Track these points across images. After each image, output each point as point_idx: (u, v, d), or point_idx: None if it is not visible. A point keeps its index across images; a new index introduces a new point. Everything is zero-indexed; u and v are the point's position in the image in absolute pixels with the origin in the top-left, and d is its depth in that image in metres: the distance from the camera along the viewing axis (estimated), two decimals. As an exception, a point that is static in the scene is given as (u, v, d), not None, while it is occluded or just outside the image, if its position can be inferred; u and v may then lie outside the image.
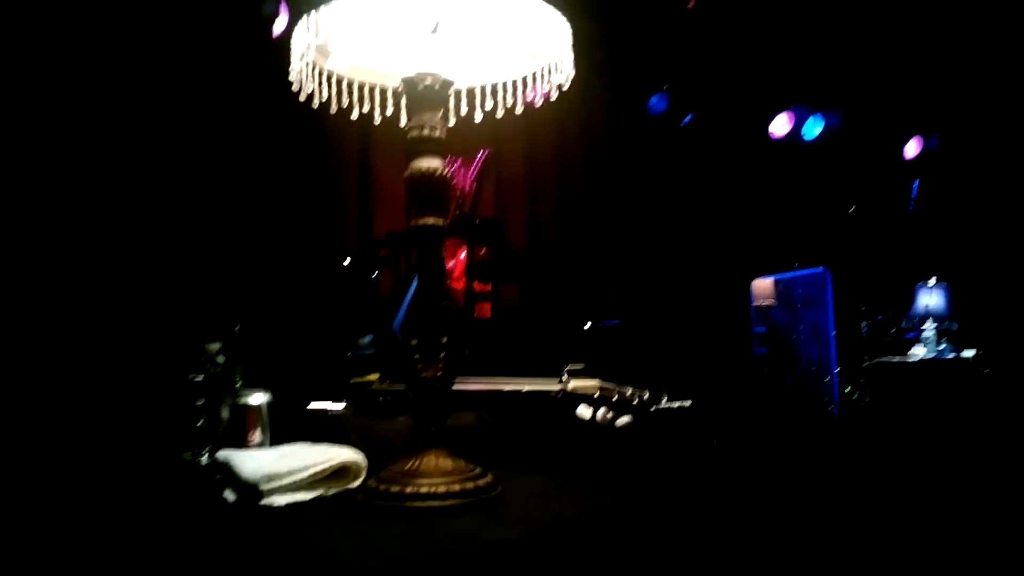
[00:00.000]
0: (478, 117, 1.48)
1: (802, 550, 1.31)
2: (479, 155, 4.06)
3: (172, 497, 1.41)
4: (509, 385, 1.64)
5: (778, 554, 1.23)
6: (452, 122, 1.50)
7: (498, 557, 1.02)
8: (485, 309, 4.04)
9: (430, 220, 1.30)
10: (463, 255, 3.93)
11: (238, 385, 1.65)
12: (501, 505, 1.25)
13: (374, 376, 1.87)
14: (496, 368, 1.75)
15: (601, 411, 1.34)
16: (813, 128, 6.19)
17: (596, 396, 1.41)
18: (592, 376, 1.53)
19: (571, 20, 1.38)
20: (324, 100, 1.37)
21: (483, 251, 4.07)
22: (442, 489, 1.22)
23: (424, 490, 1.22)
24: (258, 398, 1.60)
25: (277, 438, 1.62)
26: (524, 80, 1.44)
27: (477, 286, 3.97)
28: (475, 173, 4.03)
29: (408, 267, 4.16)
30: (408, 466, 1.27)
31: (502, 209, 5.31)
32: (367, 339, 2.92)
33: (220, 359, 1.70)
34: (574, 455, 1.46)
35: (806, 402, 4.02)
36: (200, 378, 1.70)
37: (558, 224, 5.41)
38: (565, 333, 3.99)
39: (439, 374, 1.29)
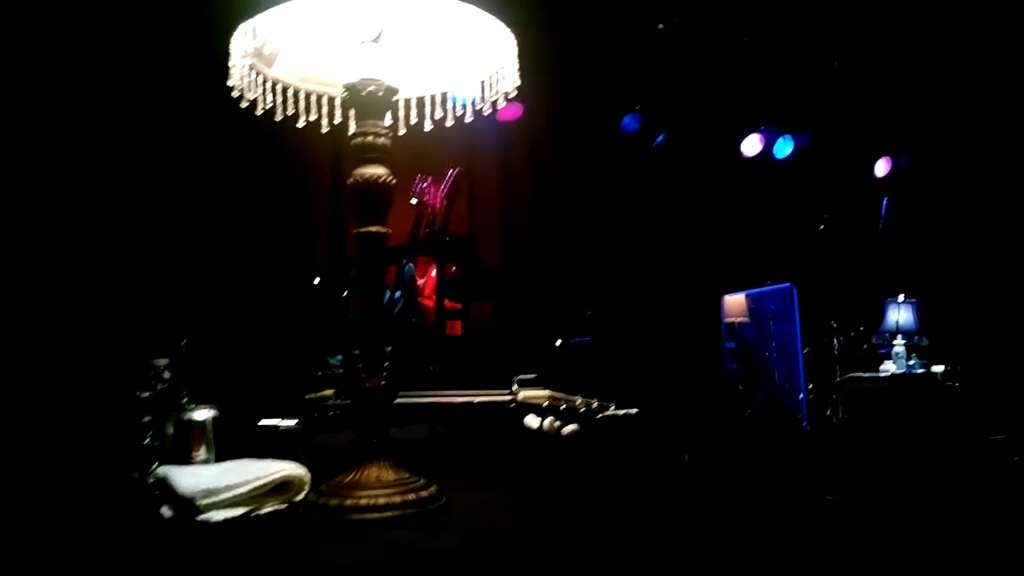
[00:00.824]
0: (427, 127, 1.47)
1: (752, 558, 1.29)
2: (450, 173, 4.04)
3: (114, 515, 1.37)
4: (461, 397, 1.61)
5: (725, 561, 1.21)
6: (402, 131, 1.49)
7: (431, 567, 0.99)
8: (456, 327, 4.01)
9: (373, 228, 1.28)
10: (434, 273, 3.90)
11: (184, 401, 1.61)
12: (444, 516, 1.22)
13: (330, 392, 1.84)
14: (466, 384, 1.73)
15: (548, 420, 1.32)
16: (783, 148, 6.26)
17: (545, 405, 1.38)
18: (544, 387, 1.50)
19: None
20: (268, 108, 1.36)
21: (455, 269, 4.04)
22: (382, 501, 1.19)
23: (363, 502, 1.19)
24: (203, 414, 1.56)
25: (226, 455, 1.58)
26: (472, 89, 1.43)
27: (448, 304, 3.94)
28: (446, 191, 4.00)
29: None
30: (349, 479, 1.24)
31: (477, 227, 5.31)
32: (337, 358, 2.89)
33: (167, 375, 1.66)
34: (524, 465, 1.44)
35: (777, 418, 4.02)
36: (147, 394, 1.66)
37: (531, 242, 5.41)
38: (536, 350, 3.96)
39: (382, 384, 1.27)
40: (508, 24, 1.28)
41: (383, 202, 1.29)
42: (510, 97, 1.38)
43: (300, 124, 1.41)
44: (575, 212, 5.49)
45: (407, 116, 1.45)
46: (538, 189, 5.55)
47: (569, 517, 1.16)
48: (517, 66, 1.38)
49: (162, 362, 1.69)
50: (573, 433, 1.32)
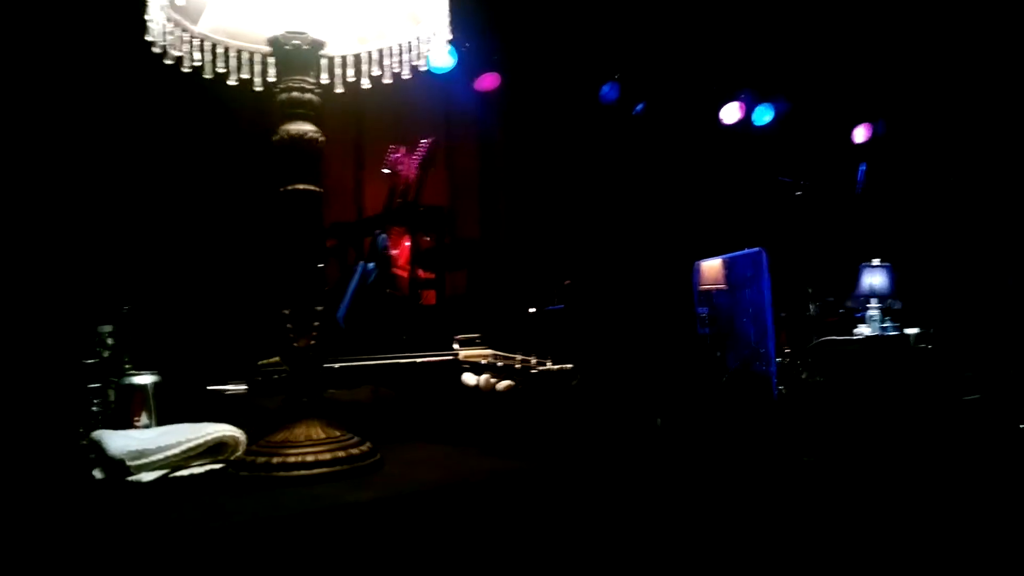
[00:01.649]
0: (365, 83, 1.44)
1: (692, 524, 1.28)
2: (423, 143, 3.99)
3: (50, 478, 1.35)
4: (407, 358, 1.60)
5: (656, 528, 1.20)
6: (340, 89, 1.45)
7: (350, 520, 0.98)
8: (430, 296, 3.99)
9: (300, 186, 1.25)
10: (407, 243, 3.87)
11: (126, 367, 1.59)
12: (376, 473, 1.20)
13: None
14: (439, 350, 1.71)
15: (484, 377, 1.30)
16: (763, 115, 6.21)
17: (483, 363, 1.36)
18: (487, 347, 1.49)
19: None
20: (195, 65, 1.32)
21: (428, 239, 4.02)
22: (310, 458, 1.17)
23: (292, 460, 1.17)
24: (144, 379, 1.53)
25: (171, 420, 1.56)
26: (408, 45, 1.39)
27: (422, 274, 3.92)
28: (419, 161, 3.96)
29: (356, 257, 4.10)
30: (279, 437, 1.22)
31: (456, 199, 5.27)
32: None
33: (111, 341, 1.63)
34: (464, 422, 1.43)
35: (746, 381, 4.02)
36: (92, 361, 1.64)
37: (510, 213, 5.39)
38: (510, 318, 3.95)
39: (311, 344, 1.25)
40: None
41: (312, 160, 1.26)
42: (443, 53, 1.34)
43: (232, 82, 1.37)
44: (554, 182, 5.45)
45: (343, 74, 1.42)
46: (516, 159, 5.51)
47: (499, 473, 1.14)
48: (448, 21, 1.34)
49: (107, 328, 1.67)
50: (508, 388, 1.31)
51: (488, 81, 5.12)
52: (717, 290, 4.97)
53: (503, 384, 1.29)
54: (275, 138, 1.25)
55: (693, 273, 4.93)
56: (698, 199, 5.61)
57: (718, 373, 4.60)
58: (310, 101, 1.26)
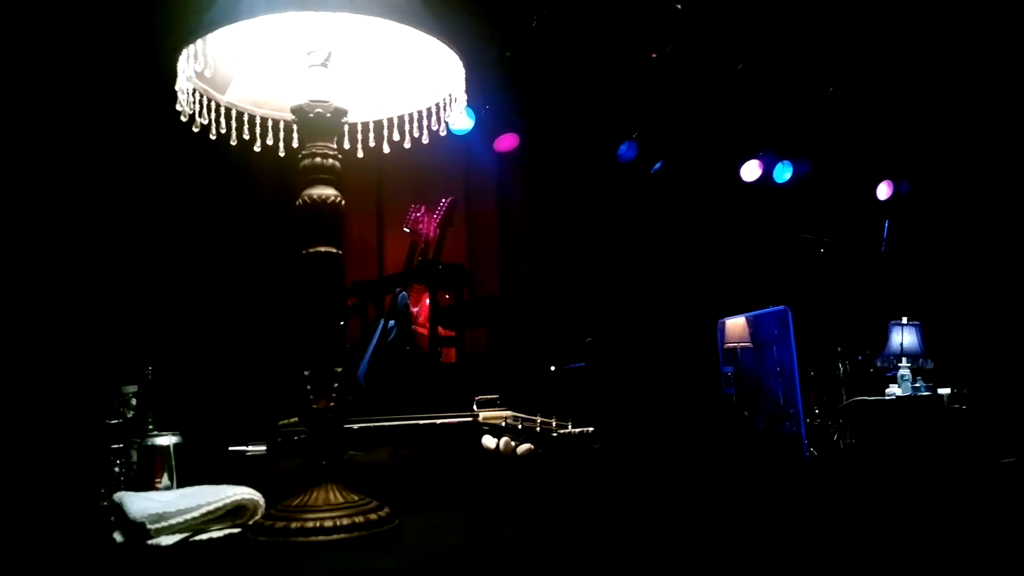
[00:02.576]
0: (386, 149, 1.48)
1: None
2: (443, 202, 4.07)
3: (72, 541, 1.36)
4: (427, 419, 1.60)
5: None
6: (361, 155, 1.50)
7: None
8: (451, 354, 4.01)
9: (322, 248, 1.28)
10: (427, 300, 3.91)
11: (149, 427, 1.61)
12: (395, 538, 1.20)
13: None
14: (460, 411, 1.72)
15: (503, 440, 1.30)
16: (783, 173, 6.25)
17: (503, 425, 1.36)
18: (506, 408, 1.49)
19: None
20: (222, 133, 1.37)
21: (448, 297, 4.05)
22: (329, 524, 1.17)
23: (310, 525, 1.17)
24: (166, 440, 1.55)
25: (191, 481, 1.57)
26: (427, 112, 1.44)
27: (442, 331, 3.94)
28: (439, 219, 4.03)
29: (377, 315, 4.14)
30: (297, 501, 1.22)
31: (476, 257, 5.33)
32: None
33: (134, 402, 1.66)
34: (483, 486, 1.42)
35: (775, 442, 3.96)
36: (116, 421, 1.66)
37: (530, 271, 5.42)
38: (531, 376, 3.95)
39: (331, 406, 1.26)
40: (453, 47, 1.29)
41: (333, 223, 1.29)
42: (459, 117, 1.39)
43: (256, 148, 1.42)
44: (573, 240, 5.50)
45: (365, 140, 1.47)
46: (535, 217, 5.58)
47: (520, 539, 1.13)
48: (464, 87, 1.39)
49: (131, 389, 1.69)
50: (528, 452, 1.30)
51: (507, 142, 5.23)
52: (742, 348, 4.95)
53: (523, 448, 1.29)
54: (298, 202, 1.28)
55: (717, 331, 4.92)
56: (720, 257, 5.62)
57: (746, 434, 4.54)
58: (332, 166, 1.30)
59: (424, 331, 3.87)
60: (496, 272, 5.39)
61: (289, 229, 4.18)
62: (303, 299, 1.27)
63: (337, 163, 1.31)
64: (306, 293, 1.27)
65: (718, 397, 4.43)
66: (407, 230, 4.19)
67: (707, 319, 4.88)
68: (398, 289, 3.73)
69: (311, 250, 1.27)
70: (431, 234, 4.07)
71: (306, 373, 1.26)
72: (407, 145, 1.45)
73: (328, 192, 1.28)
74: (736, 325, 4.95)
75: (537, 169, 5.54)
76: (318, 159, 1.29)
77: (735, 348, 4.67)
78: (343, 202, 1.30)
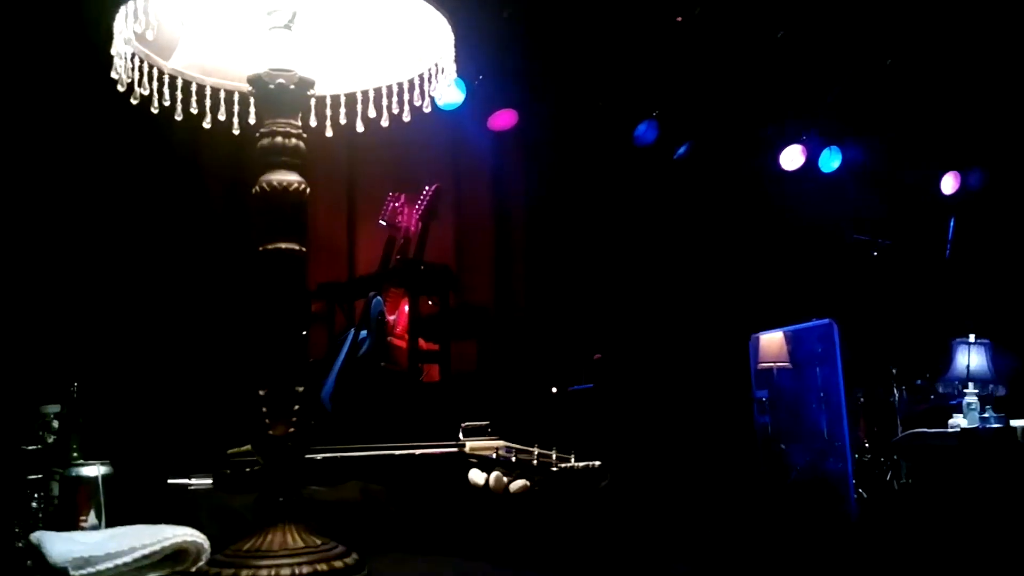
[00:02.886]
0: (360, 127, 1.49)
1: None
2: (426, 191, 4.08)
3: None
4: (405, 450, 1.61)
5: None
6: (330, 134, 1.50)
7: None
8: (433, 371, 4.01)
9: (283, 244, 1.28)
10: (407, 307, 3.91)
11: (74, 455, 1.61)
12: (362, 591, 1.20)
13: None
14: (443, 439, 1.73)
15: (494, 475, 1.30)
16: (830, 161, 6.27)
17: (494, 458, 1.37)
18: (498, 436, 1.50)
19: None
20: (165, 105, 1.37)
21: (431, 303, 4.06)
22: (286, 572, 1.17)
23: (265, 573, 1.17)
24: (93, 470, 1.55)
25: (122, 519, 1.57)
26: (409, 84, 1.44)
27: (424, 344, 3.95)
28: (421, 211, 4.04)
29: (347, 324, 4.15)
30: (249, 545, 1.22)
31: (464, 255, 5.34)
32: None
33: (56, 424, 1.66)
34: (469, 528, 1.43)
35: (817, 482, 3.98)
36: (34, 447, 1.66)
37: (528, 272, 5.43)
38: (528, 399, 3.96)
39: (291, 431, 1.26)
40: (439, 7, 1.30)
41: (295, 214, 1.29)
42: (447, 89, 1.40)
43: (205, 125, 1.42)
44: (582, 237, 5.51)
45: (335, 116, 1.47)
46: (537, 210, 5.59)
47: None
48: (453, 55, 1.40)
49: (52, 409, 1.69)
50: (523, 489, 1.31)
51: (503, 119, 5.25)
52: (779, 369, 4.96)
53: (517, 484, 1.29)
54: (254, 190, 1.29)
55: (750, 349, 4.93)
56: (754, 260, 5.63)
57: (782, 472, 4.55)
58: (295, 147, 1.31)
59: (402, 344, 3.87)
60: (489, 274, 5.40)
61: (243, 222, 4.18)
62: (259, 304, 1.27)
63: (301, 144, 1.31)
64: (262, 297, 1.27)
65: (749, 427, 4.44)
66: (383, 223, 4.19)
67: (738, 334, 4.90)
68: (372, 293, 3.73)
69: (269, 247, 1.28)
70: (412, 228, 4.08)
71: (261, 393, 1.27)
72: (385, 123, 1.46)
73: (290, 178, 1.29)
74: (772, 342, 4.97)
75: (540, 152, 5.55)
76: (279, 139, 1.29)
77: (771, 369, 4.69)
78: (308, 190, 1.30)
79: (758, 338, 4.58)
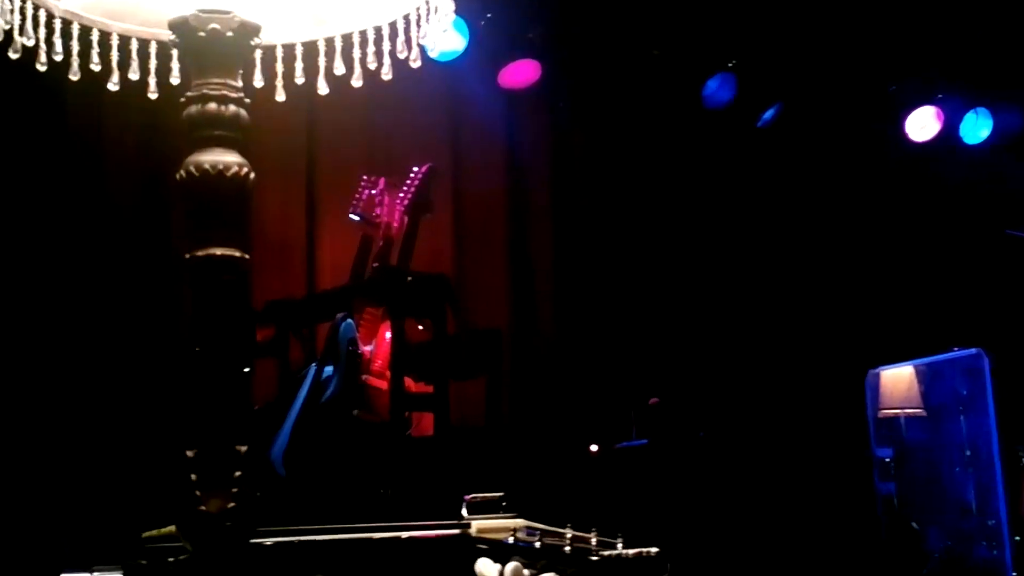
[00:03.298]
0: (323, 88, 1.50)
1: None
2: (415, 173, 4.08)
3: None
4: (386, 532, 1.62)
5: None
6: (283, 96, 1.51)
7: None
8: (426, 423, 4.01)
9: (218, 251, 1.29)
10: (388, 334, 3.91)
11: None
12: None
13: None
14: (438, 516, 1.73)
15: (511, 567, 1.31)
16: (976, 130, 6.24)
17: (510, 543, 1.38)
18: (514, 513, 1.51)
19: None
20: (57, 60, 1.39)
21: (422, 328, 4.06)
22: None
23: None
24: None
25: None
26: (391, 28, 1.45)
27: (412, 386, 3.95)
28: (408, 201, 4.04)
29: (305, 355, 4.16)
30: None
31: (467, 261, 5.35)
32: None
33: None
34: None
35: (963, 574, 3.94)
36: None
37: (556, 284, 5.43)
38: (555, 463, 3.95)
39: (230, 506, 1.27)
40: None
41: (235, 209, 1.30)
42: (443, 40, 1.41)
43: (112, 86, 1.44)
44: (628, 237, 5.51)
45: (289, 74, 1.48)
46: (567, 199, 5.59)
47: None
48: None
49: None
50: (549, 589, 1.32)
51: (520, 72, 5.25)
52: (908, 418, 4.90)
53: (541, 581, 1.30)
54: (179, 174, 1.30)
55: (867, 389, 4.90)
56: (871, 266, 5.61)
57: (914, 561, 4.50)
58: (235, 117, 1.32)
59: (382, 384, 3.87)
60: (502, 287, 5.40)
61: (162, 219, 4.18)
62: (184, 332, 1.29)
63: (243, 112, 1.32)
64: (190, 322, 1.28)
65: (868, 498, 4.41)
66: (355, 218, 4.20)
67: (850, 369, 4.88)
68: (340, 315, 3.74)
69: (199, 253, 1.29)
70: (395, 224, 4.08)
71: (189, 454, 1.28)
72: (357, 82, 1.47)
73: (228, 159, 1.30)
74: (898, 380, 4.95)
75: (570, 119, 5.56)
76: (212, 105, 1.30)
77: (896, 417, 4.66)
78: (252, 175, 1.31)
79: (878, 375, 4.55)
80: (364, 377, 3.82)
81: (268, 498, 3.28)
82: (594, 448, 4.12)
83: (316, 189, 5.04)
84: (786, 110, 5.79)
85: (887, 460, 4.40)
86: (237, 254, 1.30)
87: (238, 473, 1.28)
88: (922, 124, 6.12)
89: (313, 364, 3.77)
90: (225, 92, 1.31)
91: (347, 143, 4.90)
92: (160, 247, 4.34)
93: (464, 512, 1.50)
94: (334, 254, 4.82)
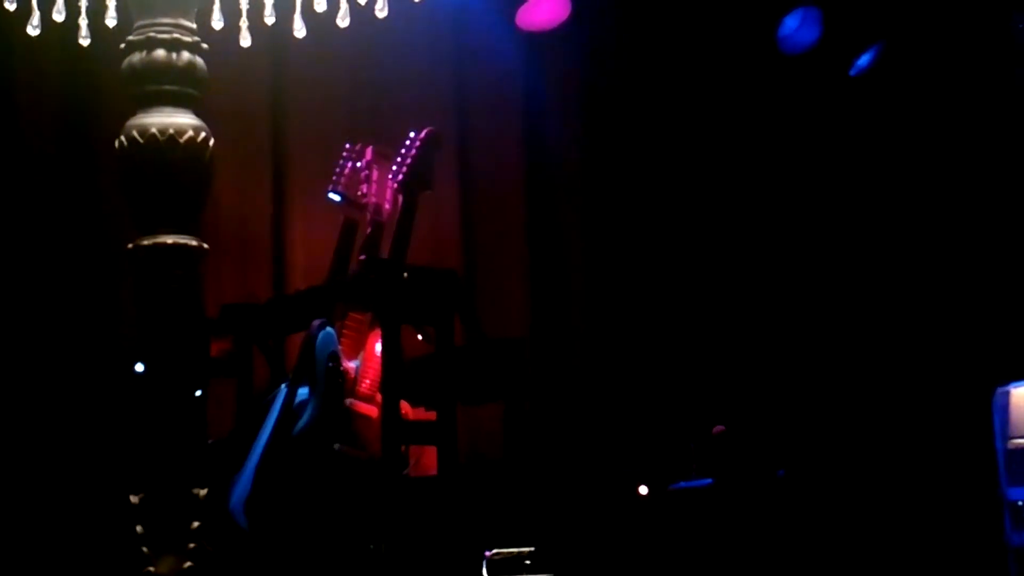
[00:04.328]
0: (300, 31, 1.50)
1: None
2: (410, 140, 4.08)
3: None
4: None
5: None
6: (247, 42, 1.52)
7: None
8: (427, 458, 4.01)
9: (169, 239, 1.30)
10: (379, 346, 3.92)
11: None
12: None
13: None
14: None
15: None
16: None
17: (544, 614, 1.39)
18: (544, 573, 1.52)
19: None
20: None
21: (422, 338, 4.06)
22: None
23: None
24: None
25: None
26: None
27: (410, 412, 3.95)
28: (402, 177, 4.04)
29: (272, 374, 4.18)
30: None
31: (478, 252, 5.35)
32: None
33: None
34: None
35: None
36: None
37: (589, 280, 5.43)
38: (596, 507, 3.96)
39: (186, 567, 1.28)
40: None
41: (190, 183, 1.31)
42: None
43: (32, 30, 1.44)
44: (681, 218, 5.50)
45: (257, 15, 1.49)
46: (602, 173, 5.59)
47: None
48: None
49: None
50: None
51: (543, 9, 5.25)
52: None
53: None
54: (117, 143, 1.31)
55: (995, 412, 4.86)
56: (997, 254, 5.60)
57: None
58: (190, 67, 1.32)
59: (371, 410, 3.89)
60: (522, 286, 5.41)
61: (93, 199, 4.19)
62: (129, 339, 1.29)
63: (200, 61, 1.33)
64: (138, 327, 1.28)
65: (998, 551, 4.40)
66: (336, 198, 4.21)
67: (972, 386, 4.85)
68: (317, 323, 3.75)
69: (145, 242, 1.29)
70: (387, 205, 4.10)
71: (133, 500, 1.28)
72: (343, 21, 1.48)
73: (181, 121, 1.30)
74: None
75: (607, 71, 5.56)
76: (160, 52, 1.30)
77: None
78: (212, 141, 1.32)
79: (1008, 393, 4.51)
80: (348, 401, 3.83)
81: (226, 558, 3.28)
82: (643, 490, 4.11)
83: (284, 162, 5.05)
84: (887, 54, 5.79)
85: (1021, 504, 4.38)
86: (193, 243, 1.30)
87: (196, 524, 1.28)
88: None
89: (283, 385, 3.78)
90: (177, 36, 1.31)
91: (324, 103, 4.91)
92: (94, 230, 4.36)
93: (485, 573, 1.51)
94: (308, 245, 4.83)
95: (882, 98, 5.76)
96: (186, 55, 1.28)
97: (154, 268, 1.28)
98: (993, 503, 4.54)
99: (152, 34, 1.28)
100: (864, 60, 5.77)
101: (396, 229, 4.04)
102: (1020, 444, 4.83)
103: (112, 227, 4.15)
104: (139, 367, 3.49)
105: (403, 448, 3.93)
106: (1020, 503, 4.40)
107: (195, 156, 1.27)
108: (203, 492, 1.27)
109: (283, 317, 4.16)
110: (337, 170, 4.20)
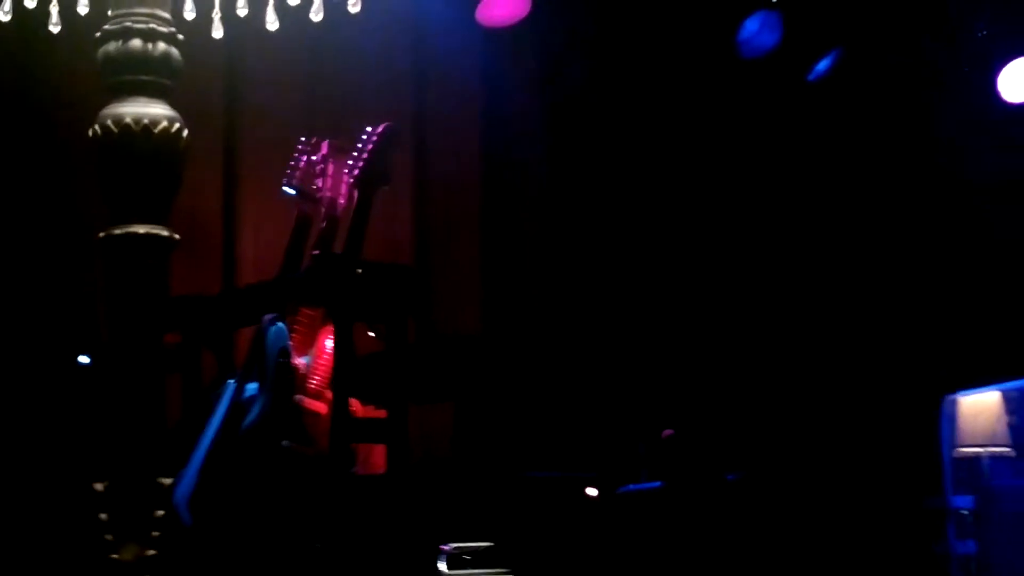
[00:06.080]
0: (271, 23, 1.52)
1: None
2: (367, 135, 4.09)
3: None
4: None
5: None
6: (219, 32, 1.54)
7: None
8: (376, 457, 4.01)
9: (141, 229, 1.31)
10: (330, 343, 3.92)
11: None
12: None
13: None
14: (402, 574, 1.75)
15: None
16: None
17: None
18: (502, 565, 1.55)
19: None
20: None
21: (373, 334, 4.07)
22: None
23: None
24: None
25: None
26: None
27: (360, 409, 3.95)
28: (358, 171, 4.04)
29: (220, 368, 4.17)
30: None
31: (433, 249, 5.36)
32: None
33: None
34: None
35: None
36: None
37: (544, 279, 5.44)
38: (545, 508, 3.98)
39: (148, 555, 1.29)
40: None
41: (164, 176, 1.32)
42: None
43: (3, 15, 1.46)
44: (639, 218, 5.52)
45: (228, 5, 1.51)
46: (561, 172, 5.60)
47: None
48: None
49: None
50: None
51: (503, 5, 5.25)
52: (995, 458, 4.91)
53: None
54: (91, 132, 1.32)
55: (942, 421, 4.92)
56: (948, 261, 5.65)
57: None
58: (165, 58, 1.34)
59: (321, 407, 3.89)
60: (475, 282, 5.42)
61: (64, 188, 4.16)
62: (98, 325, 1.31)
63: (175, 51, 1.35)
64: (108, 315, 1.30)
65: (939, 560, 4.45)
66: (290, 192, 4.21)
67: (919, 394, 4.90)
68: (268, 318, 3.75)
69: (116, 231, 1.31)
70: (341, 200, 4.09)
71: (98, 487, 1.30)
72: (317, 16, 1.50)
73: (156, 111, 1.32)
74: (981, 409, 4.99)
75: (568, 69, 5.58)
76: (137, 42, 1.32)
77: (979, 457, 4.69)
78: (185, 132, 1.34)
79: (955, 402, 4.58)
80: (298, 398, 3.83)
81: (169, 554, 3.26)
82: (592, 492, 4.13)
83: (237, 154, 5.05)
84: (845, 59, 5.83)
85: (964, 512, 4.43)
86: (164, 233, 1.32)
87: (160, 512, 1.30)
88: (1017, 79, 6.16)
89: (231, 381, 3.76)
90: (153, 26, 1.33)
91: (280, 96, 4.90)
92: (67, 219, 4.35)
93: (443, 567, 1.53)
94: (260, 239, 4.83)
95: (838, 103, 5.81)
96: (162, 45, 1.30)
97: (125, 257, 1.29)
98: (937, 512, 4.60)
99: (129, 23, 1.29)
100: (822, 65, 5.82)
101: (351, 224, 4.03)
102: (966, 453, 4.89)
103: (83, 216, 4.14)
104: (83, 359, 3.49)
105: (352, 445, 3.93)
106: (965, 511, 4.46)
107: (169, 147, 1.29)
108: (168, 481, 1.28)
109: (233, 311, 4.15)
110: (292, 163, 4.20)
